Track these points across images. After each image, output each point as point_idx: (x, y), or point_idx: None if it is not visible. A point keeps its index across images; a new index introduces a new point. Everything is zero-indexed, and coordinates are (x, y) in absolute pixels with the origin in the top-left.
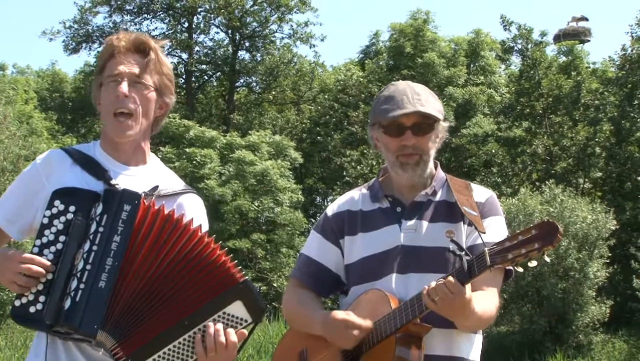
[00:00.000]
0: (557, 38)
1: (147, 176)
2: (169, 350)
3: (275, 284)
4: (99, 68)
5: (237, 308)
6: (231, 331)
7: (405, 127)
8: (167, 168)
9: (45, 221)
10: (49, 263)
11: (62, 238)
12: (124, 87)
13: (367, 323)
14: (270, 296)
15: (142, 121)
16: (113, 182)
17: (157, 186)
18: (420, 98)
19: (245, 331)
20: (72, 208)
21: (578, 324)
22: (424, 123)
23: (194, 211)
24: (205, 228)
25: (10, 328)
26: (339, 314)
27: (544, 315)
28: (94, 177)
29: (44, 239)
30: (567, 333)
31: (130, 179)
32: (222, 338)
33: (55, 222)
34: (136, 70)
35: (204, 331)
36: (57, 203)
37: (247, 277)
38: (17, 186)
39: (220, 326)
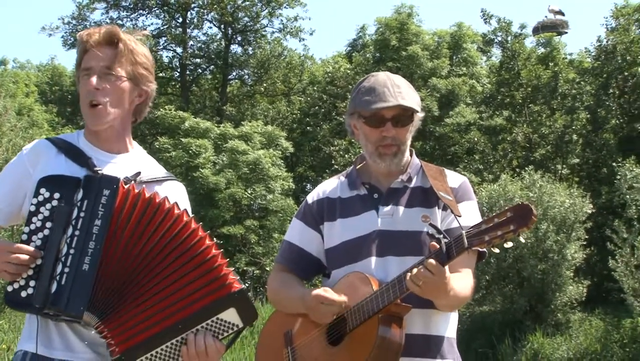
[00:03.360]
0: (536, 30)
1: (130, 163)
2: (161, 349)
3: (267, 268)
4: (77, 63)
5: (230, 315)
6: (214, 342)
7: (386, 119)
8: (150, 156)
9: (33, 208)
10: (36, 250)
11: (48, 225)
12: (94, 80)
13: (341, 298)
14: (263, 279)
15: (114, 111)
16: (96, 169)
17: (140, 172)
18: (400, 91)
19: (223, 346)
20: (56, 195)
21: (557, 303)
22: (404, 115)
23: (176, 198)
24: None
25: (13, 312)
26: (315, 290)
27: (524, 295)
28: (77, 164)
29: (32, 226)
30: (547, 312)
31: (113, 166)
32: (202, 349)
33: (42, 209)
34: (106, 62)
35: (196, 335)
36: (42, 190)
37: (241, 285)
38: (5, 175)
39: (208, 336)
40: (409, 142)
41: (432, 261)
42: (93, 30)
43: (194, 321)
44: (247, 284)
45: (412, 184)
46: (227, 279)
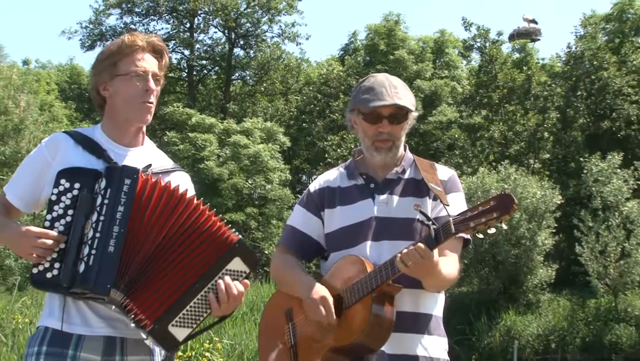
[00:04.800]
0: (511, 37)
1: (142, 156)
2: (187, 310)
3: (266, 252)
4: (111, 61)
5: (236, 264)
6: (237, 283)
7: (382, 117)
8: (159, 150)
9: (54, 198)
10: (59, 235)
11: (70, 212)
12: (152, 84)
13: (334, 320)
14: (262, 261)
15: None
16: (112, 161)
17: (150, 165)
18: (397, 91)
19: (247, 281)
20: (77, 185)
21: (528, 285)
22: (399, 114)
23: (183, 186)
24: None
25: (35, 289)
26: (321, 290)
27: (499, 277)
28: (94, 156)
29: (54, 214)
30: (519, 293)
31: (127, 158)
32: (234, 290)
33: (63, 198)
34: (156, 69)
35: (215, 288)
36: (62, 181)
37: (240, 236)
38: (26, 166)
39: (228, 279)
40: (403, 138)
41: (421, 245)
42: (135, 35)
43: (209, 277)
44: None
45: (406, 176)
46: (227, 234)
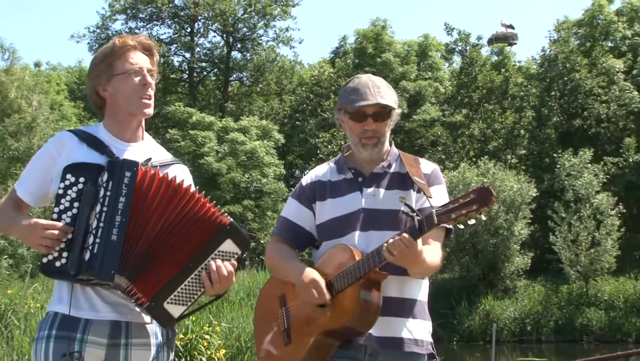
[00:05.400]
0: (490, 41)
1: (142, 150)
2: (181, 288)
3: (262, 241)
4: (106, 62)
5: (228, 245)
6: (227, 264)
7: (367, 115)
8: (159, 145)
9: (60, 192)
10: (66, 226)
11: (76, 204)
12: (149, 78)
13: (327, 296)
14: (258, 250)
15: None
16: (115, 156)
17: (150, 158)
18: (380, 91)
19: (235, 262)
20: (81, 179)
21: (505, 272)
22: (383, 112)
23: (181, 177)
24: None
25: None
26: (312, 274)
27: (479, 265)
28: (97, 152)
29: (61, 207)
30: (497, 279)
31: (128, 153)
32: (224, 271)
33: (69, 192)
34: (149, 65)
35: (207, 268)
36: (68, 176)
37: (231, 219)
38: (34, 164)
39: (219, 262)
40: (387, 134)
41: (406, 235)
42: (126, 37)
43: (201, 258)
44: (243, 255)
45: (392, 170)
46: (219, 218)
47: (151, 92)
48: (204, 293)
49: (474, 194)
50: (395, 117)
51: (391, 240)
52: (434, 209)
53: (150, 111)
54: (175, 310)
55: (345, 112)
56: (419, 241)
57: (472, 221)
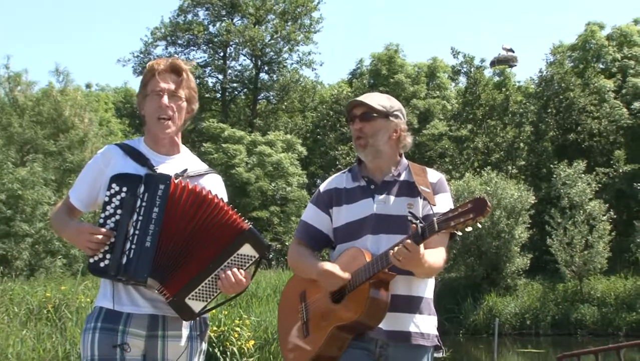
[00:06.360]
0: (492, 64)
1: (179, 162)
2: (202, 286)
3: (287, 244)
4: (142, 84)
5: (247, 249)
6: (241, 271)
7: (355, 116)
8: (195, 156)
9: (107, 199)
10: (110, 231)
11: (119, 211)
12: (165, 100)
13: (346, 275)
14: (283, 252)
15: (175, 124)
16: (154, 168)
17: (187, 169)
18: (369, 95)
19: (244, 272)
20: (124, 189)
21: (507, 271)
22: (368, 113)
23: (215, 187)
24: (224, 198)
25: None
26: (327, 265)
27: (482, 265)
28: (139, 164)
29: (106, 213)
30: (499, 278)
31: (166, 165)
32: (232, 279)
33: (114, 200)
34: (173, 87)
35: (226, 270)
36: (114, 185)
37: (250, 225)
38: (85, 174)
39: (229, 272)
40: (380, 138)
41: (409, 241)
42: (160, 60)
43: (221, 260)
44: (270, 256)
45: (401, 179)
46: (239, 224)
47: (170, 113)
48: (222, 292)
49: (471, 204)
50: (396, 128)
51: (396, 248)
52: (435, 218)
53: (168, 130)
54: (196, 305)
55: (347, 121)
56: (421, 246)
57: (469, 229)
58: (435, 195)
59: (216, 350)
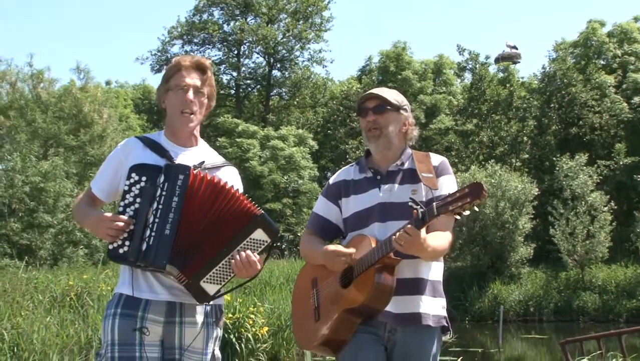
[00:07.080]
0: (497, 60)
1: (197, 154)
2: (216, 270)
3: (299, 234)
4: (165, 78)
5: (259, 234)
6: (255, 254)
7: (368, 109)
8: (212, 149)
9: (126, 188)
10: (129, 219)
11: (138, 200)
12: (190, 95)
13: (350, 250)
14: (296, 242)
15: (197, 118)
16: (173, 159)
17: (204, 161)
18: (382, 89)
19: (258, 256)
20: (144, 178)
21: (511, 260)
22: (381, 105)
23: (231, 178)
24: (240, 189)
25: (115, 263)
26: (331, 246)
27: (488, 254)
28: (159, 155)
29: (126, 201)
30: (504, 267)
31: (185, 156)
32: (247, 260)
33: (133, 189)
34: (198, 83)
35: (239, 254)
36: (133, 175)
37: (262, 211)
38: (107, 165)
39: (243, 253)
40: (392, 129)
41: (410, 226)
42: (186, 56)
43: (234, 243)
44: (283, 246)
45: (405, 167)
46: (252, 210)
47: (194, 108)
48: (235, 276)
49: (468, 189)
50: (406, 122)
51: (398, 233)
52: (434, 203)
53: (191, 124)
54: (211, 288)
55: (358, 115)
56: (423, 230)
57: (466, 213)
58: (438, 178)
59: (231, 336)
